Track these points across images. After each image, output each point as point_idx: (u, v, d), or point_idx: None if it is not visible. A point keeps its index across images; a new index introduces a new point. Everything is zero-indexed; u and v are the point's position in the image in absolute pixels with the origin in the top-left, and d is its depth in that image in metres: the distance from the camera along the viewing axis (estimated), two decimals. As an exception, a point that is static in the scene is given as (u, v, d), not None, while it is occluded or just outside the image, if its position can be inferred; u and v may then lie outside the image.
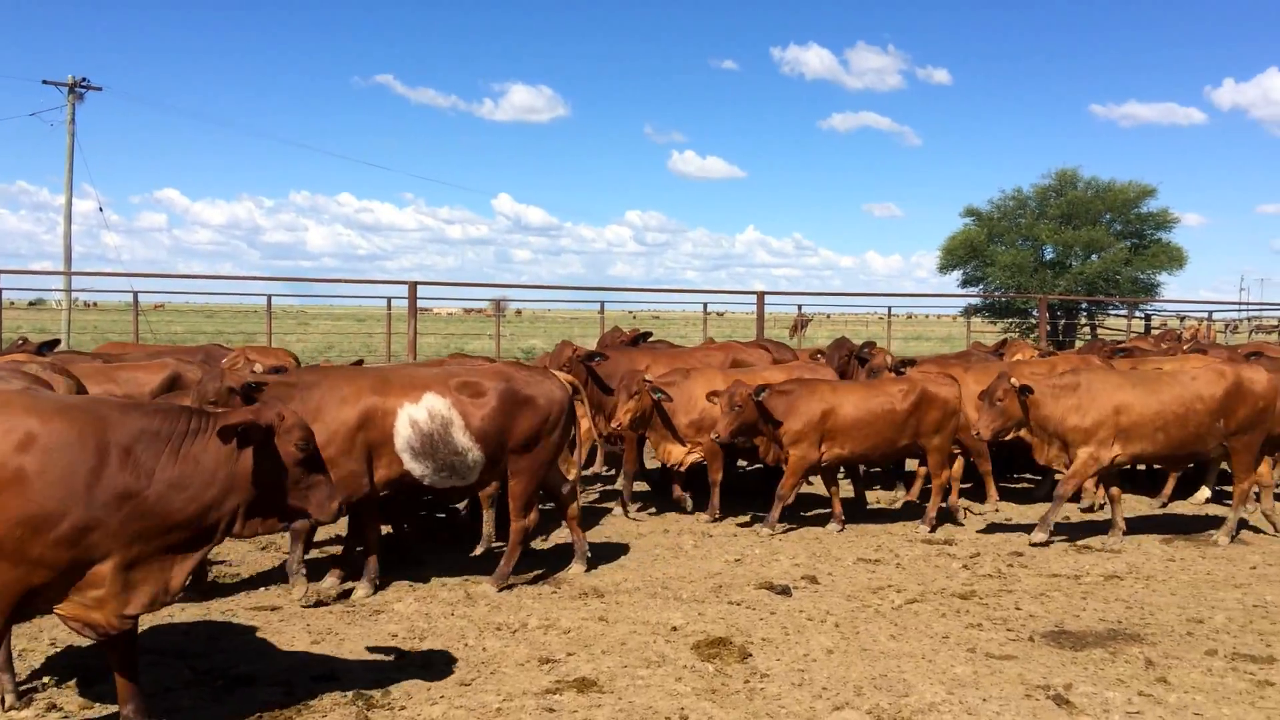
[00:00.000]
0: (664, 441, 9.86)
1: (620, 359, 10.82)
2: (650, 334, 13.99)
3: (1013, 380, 8.68)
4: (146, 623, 6.51)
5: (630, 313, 56.70)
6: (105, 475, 4.32)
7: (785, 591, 7.47)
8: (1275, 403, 9.13)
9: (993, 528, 9.69)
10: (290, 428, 4.75)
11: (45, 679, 5.54)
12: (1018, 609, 7.16)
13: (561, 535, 9.21)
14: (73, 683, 5.48)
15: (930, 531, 9.43)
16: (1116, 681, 5.75)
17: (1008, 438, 8.98)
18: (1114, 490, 9.11)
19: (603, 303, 22.24)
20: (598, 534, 9.29)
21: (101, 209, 43.09)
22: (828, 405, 9.21)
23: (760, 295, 19.37)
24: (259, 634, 6.36)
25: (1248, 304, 48.89)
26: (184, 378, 8.90)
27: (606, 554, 8.56)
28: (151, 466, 4.43)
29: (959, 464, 10.19)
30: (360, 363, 10.04)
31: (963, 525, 9.73)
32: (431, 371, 7.77)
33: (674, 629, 6.56)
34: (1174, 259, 36.75)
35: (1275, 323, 36.99)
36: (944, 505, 9.77)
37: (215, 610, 6.81)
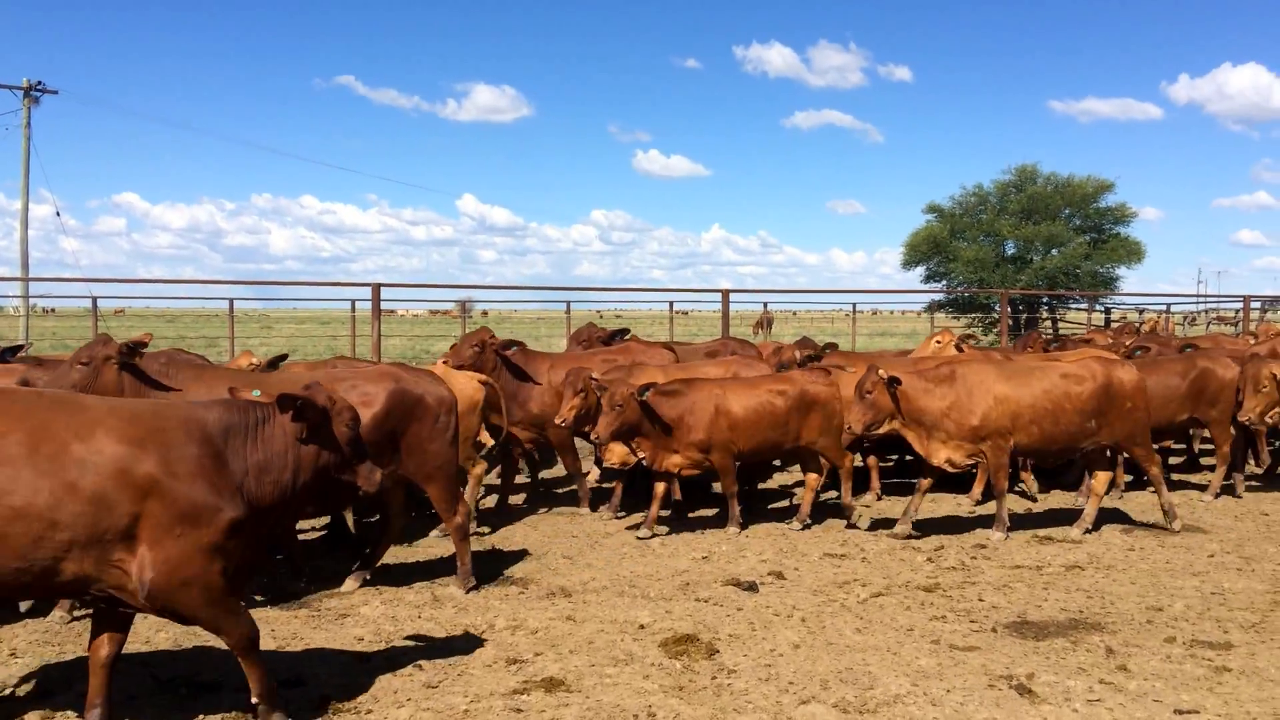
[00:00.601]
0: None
1: (527, 356, 10.49)
2: (629, 330, 13.88)
3: (881, 372, 8.68)
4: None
5: (597, 312, 56.57)
6: (221, 466, 4.60)
7: (752, 588, 7.51)
8: (1144, 402, 9.28)
9: (956, 521, 9.78)
10: (341, 409, 5.05)
11: (4, 690, 5.47)
12: (981, 600, 7.24)
13: (527, 538, 9.22)
14: (32, 694, 5.42)
15: (848, 525, 9.44)
16: (1078, 670, 5.84)
17: (880, 431, 8.92)
18: (924, 482, 9.20)
19: (569, 303, 22.17)
20: (565, 533, 9.30)
21: (59, 213, 42.47)
22: (718, 404, 9.06)
23: (725, 293, 19.40)
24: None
25: (1205, 296, 49.62)
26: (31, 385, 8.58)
27: (573, 553, 8.57)
28: (244, 455, 4.72)
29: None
30: (281, 360, 9.82)
31: (857, 527, 9.55)
32: (313, 374, 7.71)
33: (641, 627, 6.58)
34: (1133, 253, 37.16)
35: (1233, 315, 37.53)
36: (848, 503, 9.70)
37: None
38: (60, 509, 4.21)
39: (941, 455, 8.90)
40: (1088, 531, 9.24)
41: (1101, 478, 9.49)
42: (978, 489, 10.57)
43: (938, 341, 12.60)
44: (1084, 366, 9.24)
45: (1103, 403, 9.04)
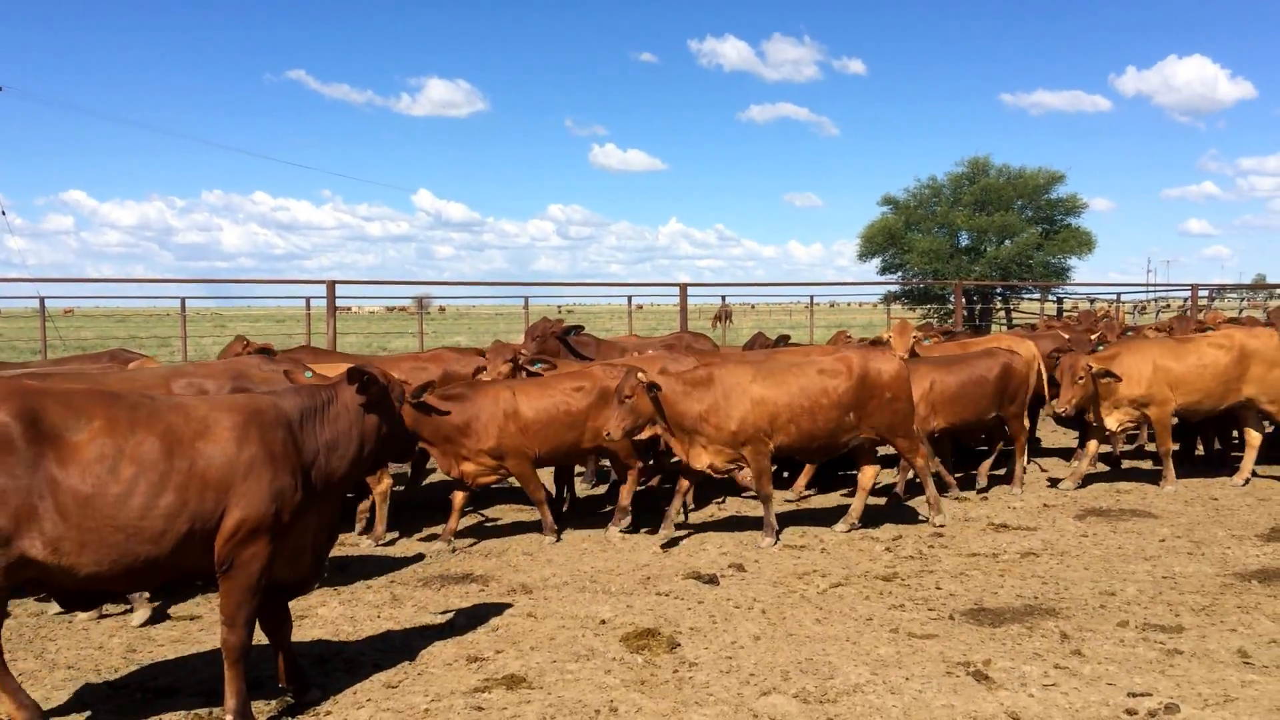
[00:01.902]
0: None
1: (308, 360, 9.80)
2: (582, 327, 13.82)
3: (640, 376, 8.35)
4: (58, 637, 6.35)
5: (556, 307, 56.49)
6: (298, 450, 4.96)
7: (713, 580, 7.53)
8: (905, 392, 9.04)
9: (913, 512, 9.86)
10: (395, 383, 5.54)
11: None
12: (938, 589, 7.32)
13: (487, 535, 9.18)
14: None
15: (621, 531, 9.04)
16: (1033, 655, 5.92)
17: (642, 436, 8.69)
18: (683, 483, 8.97)
19: (527, 298, 22.09)
20: (528, 528, 9.27)
21: (4, 212, 41.51)
22: (509, 408, 8.63)
23: (683, 287, 19.46)
24: (178, 645, 6.22)
25: (1155, 285, 50.54)
26: None
27: (533, 549, 8.56)
28: (316, 436, 5.12)
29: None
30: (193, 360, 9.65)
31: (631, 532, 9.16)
32: (156, 372, 7.62)
33: (602, 622, 6.58)
34: (1083, 243, 37.71)
35: (1181, 303, 38.19)
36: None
37: (131, 623, 6.64)
38: (203, 501, 4.60)
39: (704, 460, 8.62)
40: (853, 528, 9.06)
41: (868, 472, 9.28)
42: (901, 481, 10.43)
43: (891, 331, 12.65)
44: (840, 360, 9.04)
45: (861, 395, 8.83)
